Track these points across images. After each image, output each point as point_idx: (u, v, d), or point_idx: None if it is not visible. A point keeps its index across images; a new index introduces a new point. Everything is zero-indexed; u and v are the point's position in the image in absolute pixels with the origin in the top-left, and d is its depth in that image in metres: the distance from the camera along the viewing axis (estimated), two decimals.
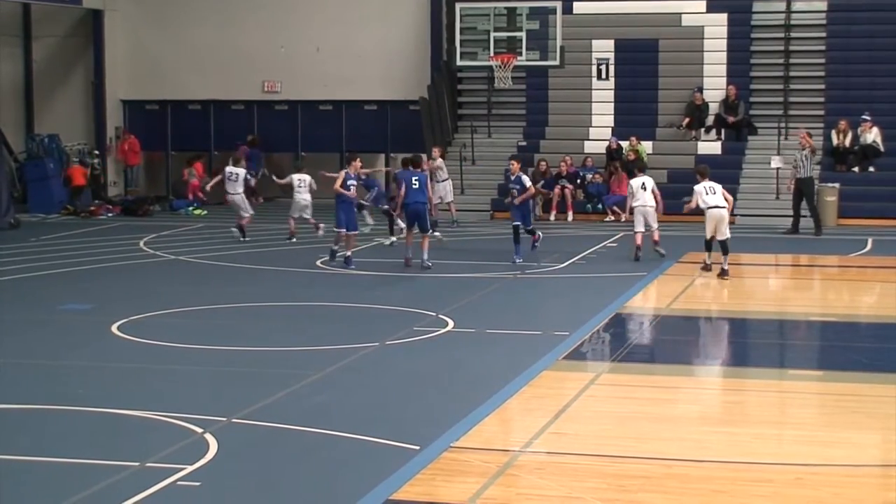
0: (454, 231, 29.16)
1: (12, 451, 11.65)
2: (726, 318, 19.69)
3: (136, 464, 11.12)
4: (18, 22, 38.02)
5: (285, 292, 21.29)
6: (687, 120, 33.90)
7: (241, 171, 27.74)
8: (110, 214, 33.90)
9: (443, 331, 17.38)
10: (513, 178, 24.09)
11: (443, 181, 29.83)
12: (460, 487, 10.55)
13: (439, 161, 29.79)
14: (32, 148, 35.89)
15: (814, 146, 29.48)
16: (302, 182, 27.40)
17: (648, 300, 20.29)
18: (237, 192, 27.46)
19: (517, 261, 23.59)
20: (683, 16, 34.93)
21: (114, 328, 17.59)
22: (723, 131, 33.93)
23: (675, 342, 17.78)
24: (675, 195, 31.39)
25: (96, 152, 36.73)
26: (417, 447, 11.57)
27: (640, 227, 24.16)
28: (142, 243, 27.49)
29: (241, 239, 27.02)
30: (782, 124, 33.20)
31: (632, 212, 24.68)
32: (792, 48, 34.76)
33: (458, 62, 32.78)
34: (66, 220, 32.36)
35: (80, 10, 37.42)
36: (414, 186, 23.00)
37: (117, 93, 38.02)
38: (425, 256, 22.79)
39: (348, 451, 11.74)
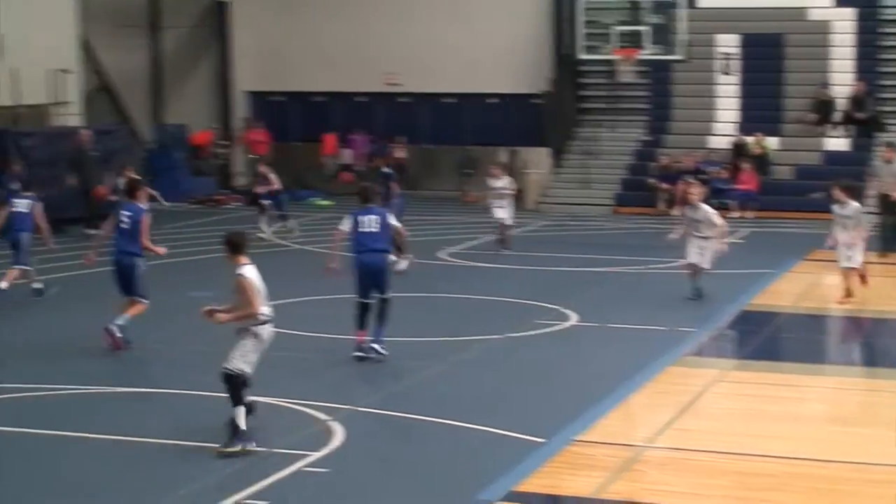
0: (574, 225, 29.01)
1: (147, 434, 11.94)
2: (855, 318, 19.07)
3: (264, 449, 11.28)
4: (146, 13, 38.65)
5: (411, 283, 21.36)
6: (815, 116, 33.35)
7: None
8: (237, 204, 34.27)
9: (566, 324, 17.35)
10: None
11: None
12: (585, 481, 10.55)
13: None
14: (163, 138, 36.45)
15: None
16: None
17: (775, 297, 19.98)
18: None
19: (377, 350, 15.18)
20: (810, 10, 34.40)
21: None
22: (850, 128, 33.33)
23: (803, 340, 17.54)
24: (801, 191, 31.05)
25: (224, 142, 37.20)
26: (542, 440, 11.58)
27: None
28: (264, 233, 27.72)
29: None
30: None
31: None
32: None
33: (581, 56, 32.64)
34: (193, 209, 32.82)
35: (207, 1, 37.96)
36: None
37: (241, 84, 38.50)
38: None
39: (472, 441, 11.80)
